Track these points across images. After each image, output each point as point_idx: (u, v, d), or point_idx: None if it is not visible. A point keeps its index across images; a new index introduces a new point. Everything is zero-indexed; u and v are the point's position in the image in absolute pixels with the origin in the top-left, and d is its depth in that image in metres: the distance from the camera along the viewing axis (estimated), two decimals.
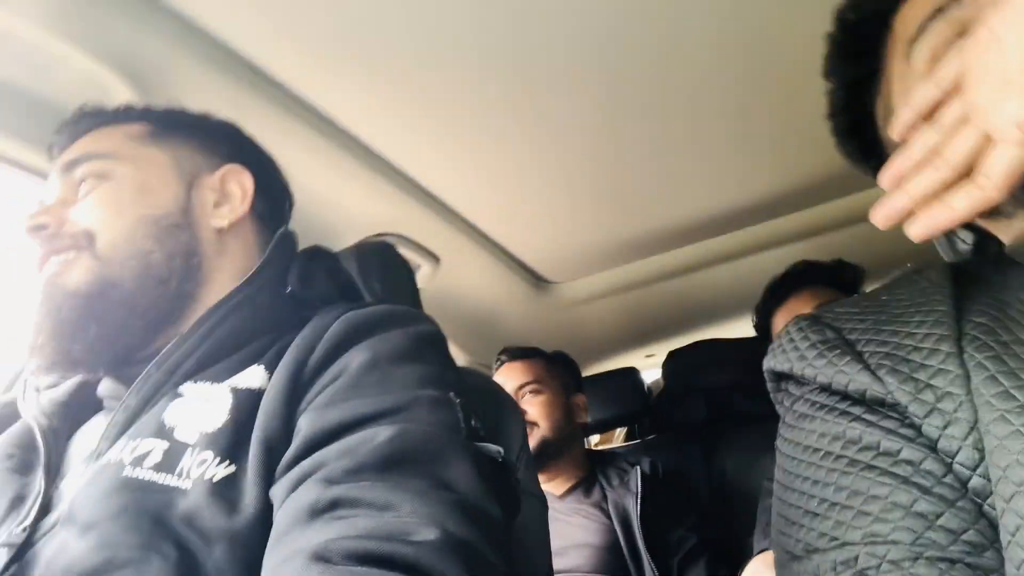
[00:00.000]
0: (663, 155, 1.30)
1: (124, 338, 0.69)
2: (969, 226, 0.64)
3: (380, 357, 0.62)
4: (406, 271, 0.96)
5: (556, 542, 1.50)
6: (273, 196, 0.85)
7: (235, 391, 0.63)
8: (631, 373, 2.04)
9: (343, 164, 1.16)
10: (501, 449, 0.63)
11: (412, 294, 0.95)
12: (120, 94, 0.90)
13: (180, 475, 0.56)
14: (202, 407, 0.61)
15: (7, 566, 0.56)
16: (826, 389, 0.52)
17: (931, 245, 0.67)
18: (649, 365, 2.42)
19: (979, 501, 0.43)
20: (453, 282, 1.58)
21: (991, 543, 0.42)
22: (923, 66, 0.56)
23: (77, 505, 0.56)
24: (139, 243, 0.71)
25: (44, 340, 0.67)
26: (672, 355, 2.03)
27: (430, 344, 0.68)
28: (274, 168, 0.87)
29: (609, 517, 1.56)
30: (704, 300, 1.95)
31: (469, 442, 0.59)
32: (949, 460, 0.44)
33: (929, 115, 0.48)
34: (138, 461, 0.57)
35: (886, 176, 0.49)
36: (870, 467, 0.47)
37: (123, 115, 0.80)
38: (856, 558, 0.44)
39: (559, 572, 1.46)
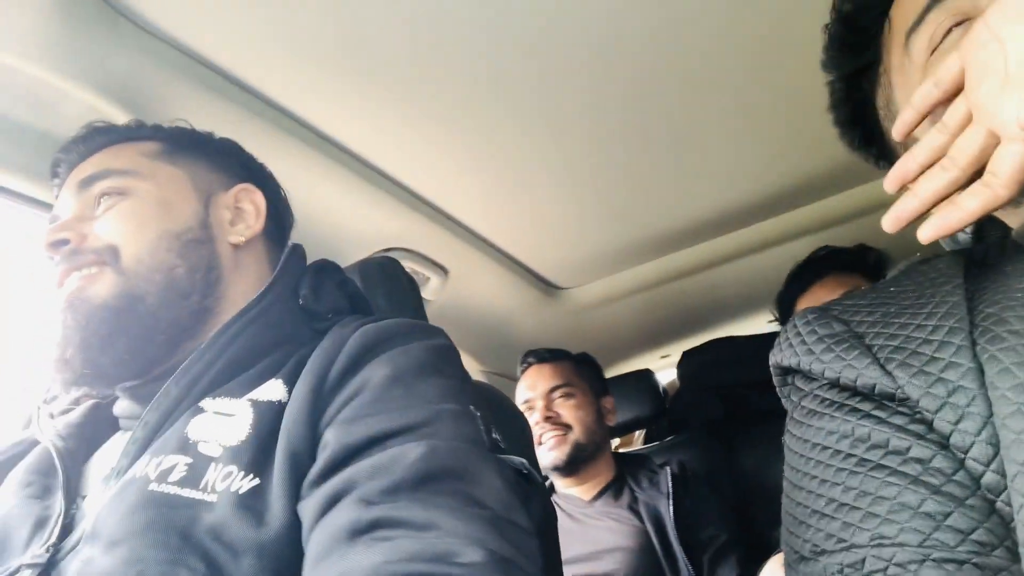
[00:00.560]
0: (669, 155, 1.29)
1: (149, 351, 0.70)
2: None
3: (401, 371, 0.63)
4: (410, 285, 0.96)
5: (588, 547, 1.51)
6: (279, 214, 0.87)
7: (255, 404, 0.64)
8: (646, 375, 2.03)
9: (346, 182, 1.17)
10: (524, 461, 0.63)
11: (417, 307, 0.95)
12: (122, 122, 0.91)
13: (205, 489, 0.57)
14: (224, 421, 0.62)
15: None
16: (835, 385, 0.51)
17: None
18: (664, 366, 2.40)
19: (992, 497, 0.42)
20: (463, 293, 1.58)
21: (1001, 541, 0.41)
22: (922, 57, 0.55)
23: (101, 521, 0.57)
24: (163, 257, 0.72)
25: (72, 354, 0.67)
26: (687, 355, 2.02)
27: (447, 358, 0.69)
28: (278, 187, 0.89)
29: (641, 519, 1.55)
30: (717, 298, 1.94)
31: (493, 455, 0.60)
32: (961, 456, 0.43)
33: (929, 114, 0.47)
34: (163, 476, 0.58)
35: (892, 179, 0.49)
36: (879, 467, 0.46)
37: (134, 133, 0.81)
38: (863, 561, 0.43)
39: None
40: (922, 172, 0.47)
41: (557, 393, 1.67)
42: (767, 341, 0.61)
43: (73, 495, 0.65)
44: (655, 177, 1.36)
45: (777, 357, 0.58)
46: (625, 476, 1.68)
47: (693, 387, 2.02)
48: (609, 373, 2.10)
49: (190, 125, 0.85)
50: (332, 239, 1.25)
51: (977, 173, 0.44)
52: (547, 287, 1.76)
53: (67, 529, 0.61)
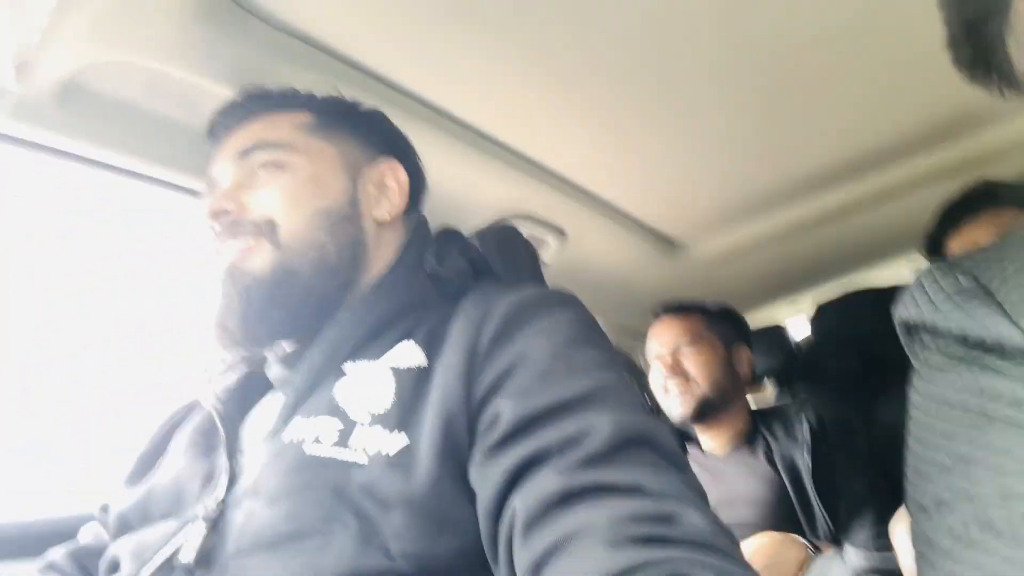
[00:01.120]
0: (790, 100, 1.23)
1: (300, 321, 0.76)
2: None
3: (557, 344, 0.65)
4: (528, 251, 0.99)
5: (723, 496, 1.52)
6: (418, 187, 0.92)
7: (395, 371, 0.68)
8: (778, 332, 1.98)
9: (461, 152, 1.20)
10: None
11: (536, 273, 0.98)
12: None
13: (356, 450, 0.62)
14: (368, 386, 0.67)
15: (206, 535, 0.64)
16: (962, 340, 0.49)
17: None
18: (794, 312, 2.32)
19: None
20: (582, 254, 1.59)
21: None
22: None
23: (263, 479, 0.64)
24: (315, 235, 0.77)
25: (234, 323, 0.73)
26: (821, 309, 1.93)
27: (592, 326, 0.71)
28: (418, 161, 0.93)
29: (777, 470, 1.53)
30: (850, 246, 1.84)
31: (658, 419, 0.62)
32: None
33: None
34: (317, 439, 0.63)
35: None
36: (1006, 421, 0.44)
37: (288, 101, 0.85)
38: (988, 515, 0.42)
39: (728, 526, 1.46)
40: None
41: (683, 347, 1.66)
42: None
43: (234, 452, 0.72)
44: (777, 124, 1.30)
45: (902, 312, 0.57)
46: (760, 428, 1.66)
47: (828, 340, 1.94)
48: None
49: (339, 94, 0.89)
50: (450, 209, 1.30)
51: None
52: (667, 243, 1.74)
53: (231, 483, 0.68)
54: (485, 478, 0.58)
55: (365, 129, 0.88)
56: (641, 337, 1.79)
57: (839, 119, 1.31)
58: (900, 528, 0.99)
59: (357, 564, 0.56)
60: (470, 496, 0.60)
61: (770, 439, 1.61)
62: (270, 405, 0.76)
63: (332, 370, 0.71)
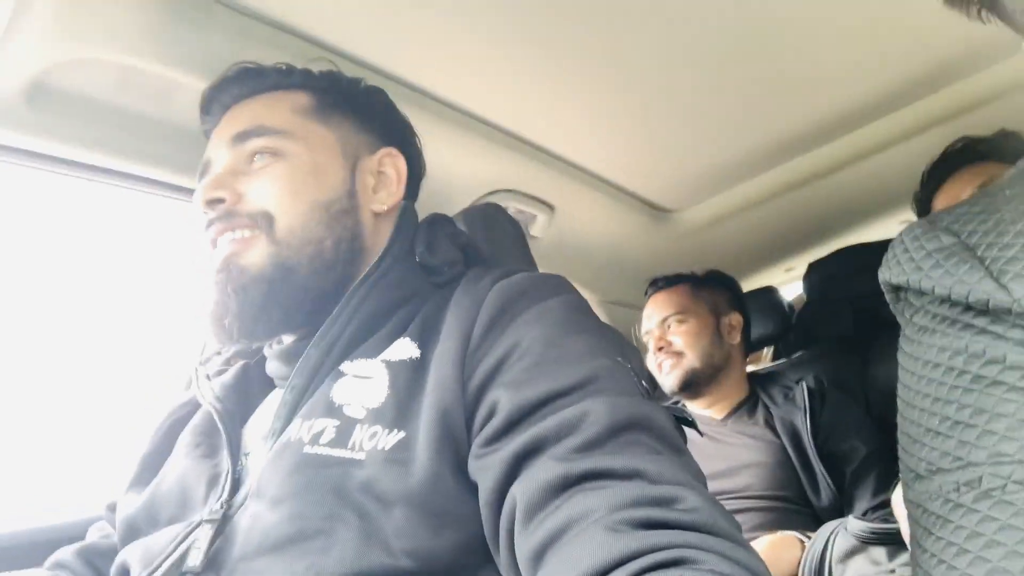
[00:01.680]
0: (770, 63, 1.21)
1: (298, 317, 0.75)
2: None
3: (549, 332, 0.64)
4: (513, 228, 0.98)
5: (723, 464, 1.52)
6: (417, 175, 0.90)
7: (389, 364, 0.67)
8: (768, 293, 1.97)
9: (445, 131, 1.18)
10: (683, 407, 0.63)
11: (522, 250, 0.97)
12: None
13: (354, 448, 0.61)
14: (363, 384, 0.66)
15: (213, 538, 0.64)
16: (946, 300, 0.49)
17: None
18: (789, 279, 2.32)
19: None
20: (572, 227, 1.58)
21: None
22: None
23: (265, 481, 0.63)
24: (314, 230, 0.75)
25: (230, 321, 0.72)
26: (813, 267, 1.93)
27: (585, 311, 0.71)
28: (417, 144, 0.91)
29: (777, 435, 1.54)
30: (841, 204, 1.82)
31: (654, 400, 0.62)
32: None
33: None
34: (315, 439, 0.63)
35: None
36: (996, 383, 0.44)
37: (285, 80, 0.83)
38: (980, 479, 0.42)
39: (730, 493, 1.48)
40: None
41: (671, 320, 1.68)
42: None
43: (237, 453, 0.72)
44: (760, 84, 1.28)
45: (886, 274, 0.56)
46: (758, 394, 1.66)
47: (821, 300, 1.94)
48: None
49: (336, 67, 0.87)
50: (437, 188, 1.28)
51: None
52: (657, 211, 1.73)
53: (235, 485, 0.68)
54: (485, 469, 0.58)
55: (366, 112, 0.85)
56: (635, 309, 1.79)
57: (819, 79, 1.29)
58: (901, 496, 0.99)
59: (360, 563, 0.56)
60: (470, 489, 0.60)
61: (769, 404, 1.62)
62: (273, 402, 0.76)
63: (329, 369, 0.70)
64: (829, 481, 1.44)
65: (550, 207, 1.49)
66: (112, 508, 0.85)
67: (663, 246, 1.80)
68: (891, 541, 1.04)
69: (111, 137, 0.95)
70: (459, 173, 1.30)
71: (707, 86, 1.25)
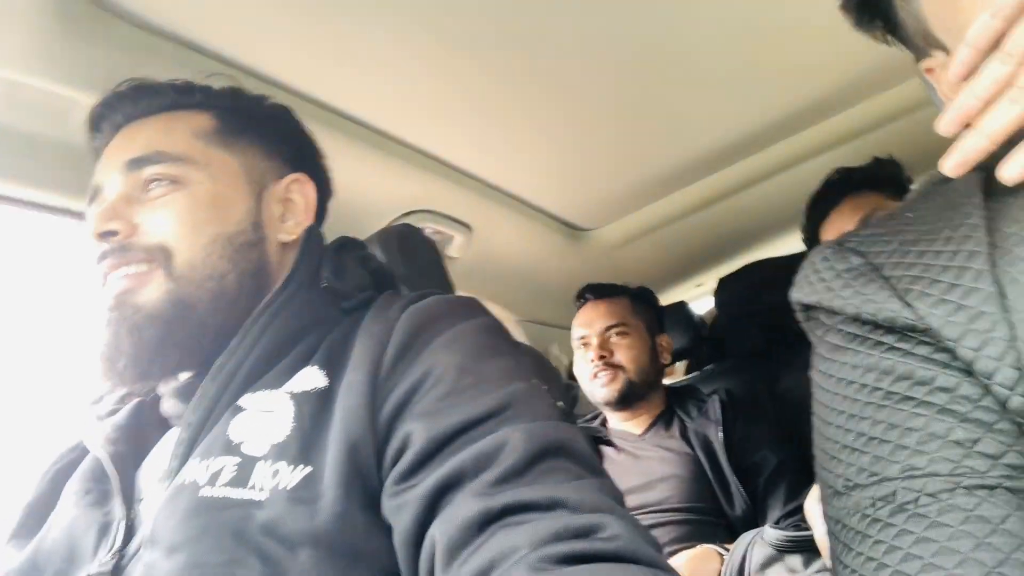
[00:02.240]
0: (676, 87, 1.26)
1: (197, 355, 0.70)
2: None
3: (463, 358, 0.62)
4: (430, 249, 0.97)
5: (641, 478, 1.54)
6: (325, 198, 0.86)
7: (294, 396, 0.63)
8: (680, 308, 2.02)
9: (357, 151, 1.17)
10: (599, 427, 0.62)
11: (439, 271, 0.96)
12: None
13: (254, 487, 0.57)
14: (266, 418, 0.62)
15: None
16: (856, 319, 0.50)
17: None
18: (700, 295, 2.39)
19: (1021, 420, 0.41)
20: (489, 246, 1.58)
21: None
22: None
23: (159, 527, 0.58)
24: (215, 265, 0.70)
25: (124, 364, 0.67)
26: (722, 282, 2.00)
27: (497, 334, 0.69)
28: (325, 166, 0.87)
29: (692, 448, 1.57)
30: (746, 223, 1.90)
31: (572, 424, 0.61)
32: (987, 381, 0.43)
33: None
34: (213, 480, 0.58)
35: (951, 120, 0.45)
36: (905, 398, 0.45)
37: (184, 99, 0.77)
38: (895, 493, 0.44)
39: (648, 507, 1.49)
40: (985, 107, 0.43)
41: (612, 332, 1.67)
42: (802, 260, 0.60)
43: (130, 499, 0.66)
44: (666, 110, 1.33)
45: (797, 294, 0.58)
46: (674, 407, 1.69)
47: (731, 313, 2.00)
48: None
49: (239, 84, 0.82)
50: (350, 210, 1.26)
51: None
52: (572, 230, 1.75)
53: (129, 534, 0.63)
54: (400, 507, 0.56)
55: (272, 135, 0.80)
56: (552, 327, 1.80)
57: (725, 100, 1.35)
58: (813, 504, 1.03)
59: None
60: (381, 524, 0.57)
61: (684, 417, 1.65)
62: (168, 444, 0.70)
63: (228, 404, 0.65)
64: (743, 492, 1.48)
65: (467, 227, 1.48)
66: None
67: (579, 264, 1.82)
68: (806, 548, 1.08)
69: None
70: (373, 194, 1.27)
71: (619, 109, 1.28)
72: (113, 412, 0.78)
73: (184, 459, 0.63)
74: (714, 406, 1.60)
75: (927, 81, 0.60)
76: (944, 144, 0.46)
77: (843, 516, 0.47)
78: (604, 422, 1.74)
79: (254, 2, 0.87)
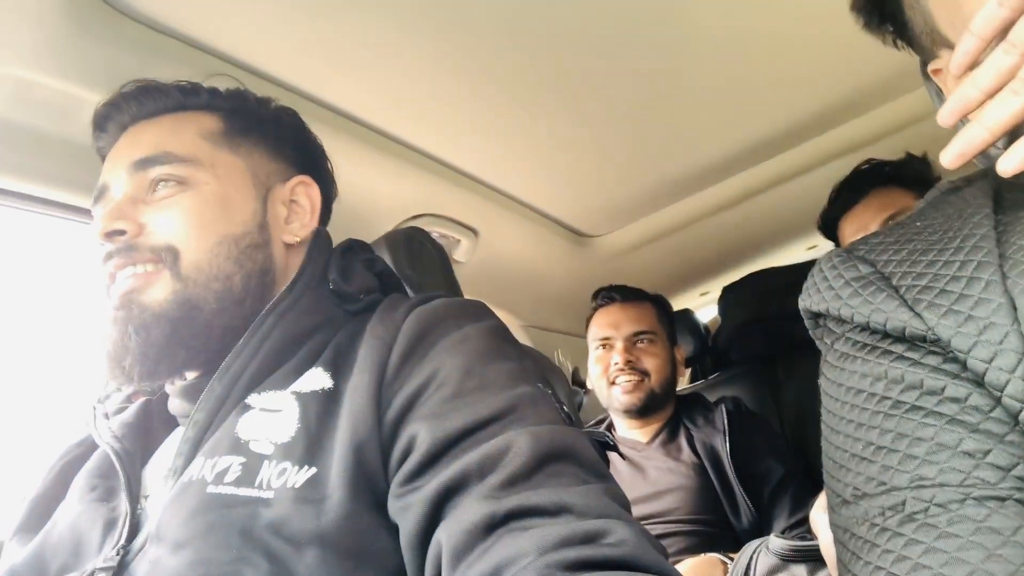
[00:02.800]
0: (685, 95, 1.25)
1: (203, 355, 0.70)
2: None
3: (469, 361, 0.62)
4: (437, 253, 0.97)
5: (648, 487, 1.53)
6: (329, 201, 0.86)
7: (300, 396, 0.64)
8: (685, 315, 2.02)
9: (367, 155, 1.17)
10: (605, 432, 0.62)
11: (446, 274, 0.96)
12: None
13: (261, 486, 0.57)
14: (272, 418, 0.62)
15: None
16: (865, 328, 0.50)
17: None
18: (704, 304, 2.39)
19: None
20: (495, 251, 1.58)
21: None
22: None
23: (165, 523, 0.58)
24: (222, 266, 0.71)
25: (131, 363, 0.67)
26: (726, 290, 1.99)
27: (503, 337, 0.69)
28: (329, 169, 0.87)
29: (699, 457, 1.56)
30: (752, 231, 1.90)
31: (578, 428, 0.61)
32: (998, 393, 0.42)
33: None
34: (219, 478, 0.58)
35: (952, 111, 0.44)
36: (915, 408, 0.45)
37: (190, 100, 0.77)
38: (904, 503, 0.43)
39: (655, 517, 1.49)
40: (986, 99, 0.42)
41: (641, 338, 1.64)
42: (806, 270, 0.60)
43: (136, 496, 0.67)
44: (672, 119, 1.33)
45: (806, 302, 0.58)
46: (681, 416, 1.68)
47: (735, 322, 2.00)
48: None
49: (243, 86, 0.82)
50: (358, 212, 1.26)
51: None
52: (578, 237, 1.75)
53: (134, 530, 0.63)
54: (406, 509, 0.56)
55: (278, 137, 0.81)
56: (557, 333, 1.79)
57: (732, 110, 1.35)
58: (819, 514, 1.02)
59: None
60: (387, 525, 0.58)
61: (691, 426, 1.64)
62: (174, 442, 0.70)
63: (235, 403, 0.66)
64: (748, 502, 1.47)
65: (474, 232, 1.49)
66: None
67: (584, 271, 1.82)
68: (812, 558, 1.07)
69: (7, 155, 0.89)
70: (382, 197, 1.28)
71: (627, 117, 1.28)
72: (120, 410, 0.78)
73: (190, 457, 0.64)
74: (720, 415, 1.59)
75: (932, 86, 0.60)
76: None
77: (851, 525, 0.47)
78: (610, 427, 1.74)
79: (263, 4, 0.88)
